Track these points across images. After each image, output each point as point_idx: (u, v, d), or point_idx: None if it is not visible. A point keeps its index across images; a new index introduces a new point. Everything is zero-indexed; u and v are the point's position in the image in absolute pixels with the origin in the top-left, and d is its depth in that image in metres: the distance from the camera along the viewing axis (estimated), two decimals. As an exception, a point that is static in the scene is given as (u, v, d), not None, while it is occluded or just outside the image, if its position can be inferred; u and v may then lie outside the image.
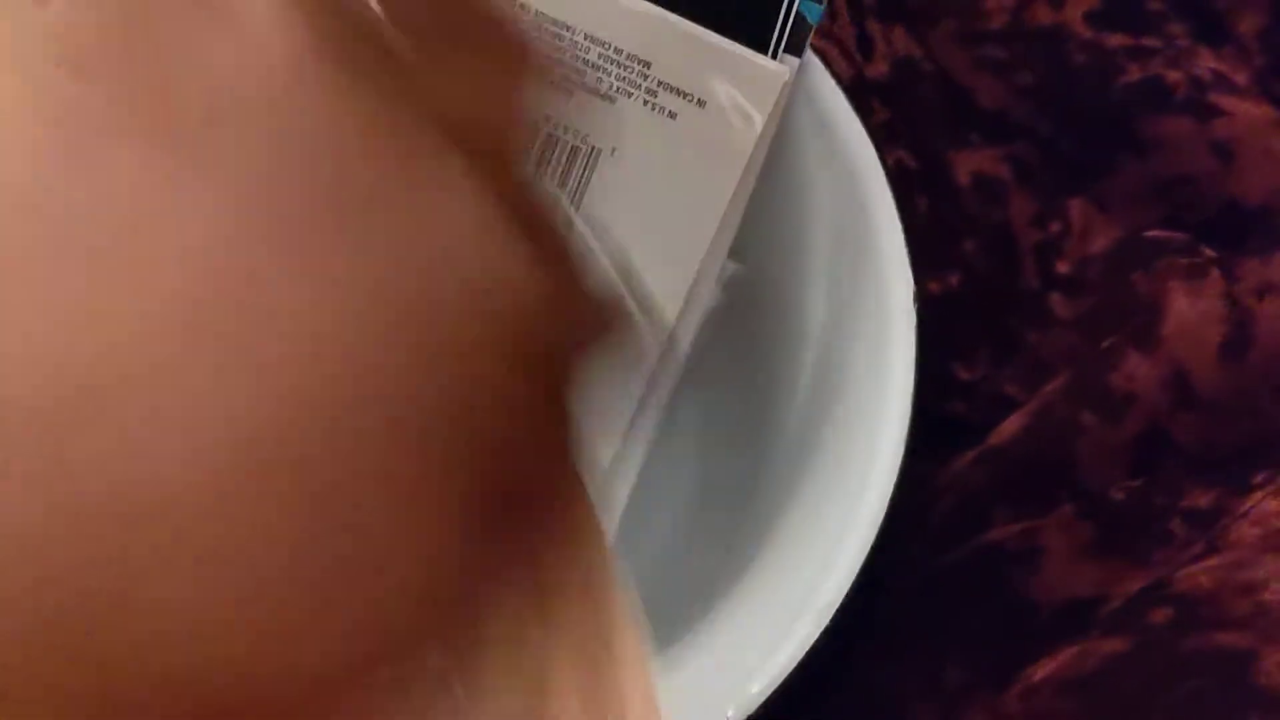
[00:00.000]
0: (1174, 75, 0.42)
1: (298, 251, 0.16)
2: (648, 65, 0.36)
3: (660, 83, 0.36)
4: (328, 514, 0.17)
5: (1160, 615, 0.35)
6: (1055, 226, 0.42)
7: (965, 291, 0.42)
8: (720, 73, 0.36)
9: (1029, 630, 0.37)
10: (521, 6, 0.36)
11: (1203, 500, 0.37)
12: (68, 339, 0.15)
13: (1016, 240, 0.43)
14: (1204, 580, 0.35)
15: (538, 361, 0.19)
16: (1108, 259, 0.42)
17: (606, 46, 0.36)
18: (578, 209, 0.36)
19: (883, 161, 0.36)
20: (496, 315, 0.18)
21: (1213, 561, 0.35)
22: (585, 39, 0.36)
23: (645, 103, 0.36)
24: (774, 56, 0.36)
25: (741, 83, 0.36)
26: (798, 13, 0.36)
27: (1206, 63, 0.42)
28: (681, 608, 0.36)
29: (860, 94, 0.43)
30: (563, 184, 0.36)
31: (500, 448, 0.18)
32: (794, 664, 0.32)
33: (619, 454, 0.36)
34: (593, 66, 0.36)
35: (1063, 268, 0.42)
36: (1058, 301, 0.42)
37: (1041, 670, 0.35)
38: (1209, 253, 0.40)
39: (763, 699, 0.32)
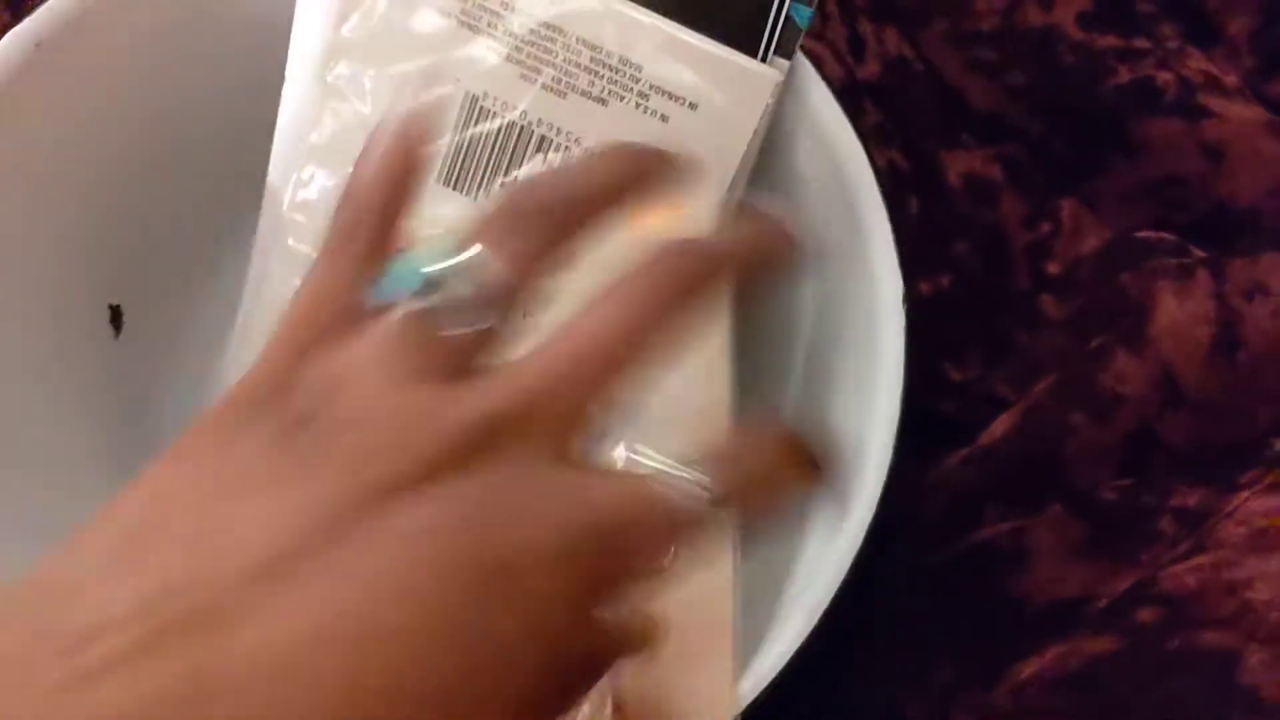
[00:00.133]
0: (1164, 76, 0.42)
1: None
2: (639, 69, 0.36)
3: (652, 86, 0.36)
4: None
5: (1147, 614, 0.35)
6: (1046, 227, 0.43)
7: (956, 292, 0.42)
8: (711, 76, 0.36)
9: (1018, 628, 0.37)
10: (512, 10, 0.36)
11: (1190, 499, 0.37)
12: None
13: (1007, 241, 0.43)
14: (1190, 580, 0.35)
15: None
16: (1098, 259, 0.42)
17: (598, 50, 0.36)
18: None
19: (874, 162, 0.36)
20: None
21: (1199, 561, 0.35)
22: (577, 42, 0.36)
23: (637, 106, 0.36)
24: (764, 59, 0.36)
25: (732, 86, 0.36)
26: (787, 16, 0.36)
27: (1196, 64, 0.43)
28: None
29: (852, 95, 0.43)
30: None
31: None
32: (784, 663, 0.32)
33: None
34: (585, 70, 0.36)
35: (1053, 268, 0.42)
36: (1048, 302, 0.42)
37: (1030, 668, 0.36)
38: (1198, 253, 0.40)
39: (753, 697, 0.32)
